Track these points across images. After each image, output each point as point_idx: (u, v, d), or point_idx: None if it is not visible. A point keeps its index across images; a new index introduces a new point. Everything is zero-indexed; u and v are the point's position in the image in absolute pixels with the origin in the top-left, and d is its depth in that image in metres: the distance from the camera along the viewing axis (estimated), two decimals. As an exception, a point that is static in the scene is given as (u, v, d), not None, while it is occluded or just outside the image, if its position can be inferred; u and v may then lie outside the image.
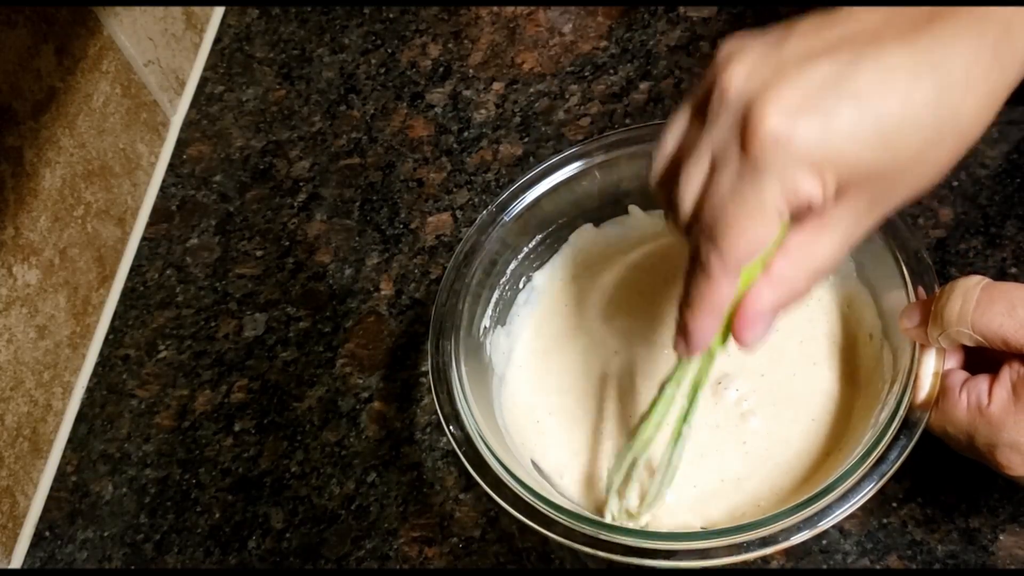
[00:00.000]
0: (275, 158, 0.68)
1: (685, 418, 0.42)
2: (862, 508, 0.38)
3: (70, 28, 0.61)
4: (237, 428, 0.57)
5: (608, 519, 0.44)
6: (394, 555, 0.50)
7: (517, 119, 0.66)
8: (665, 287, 0.52)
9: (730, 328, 0.36)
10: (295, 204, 0.66)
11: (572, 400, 0.49)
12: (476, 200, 0.62)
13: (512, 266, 0.51)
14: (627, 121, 0.63)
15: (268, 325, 0.60)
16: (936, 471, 0.46)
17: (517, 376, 0.51)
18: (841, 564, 0.45)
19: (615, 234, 0.53)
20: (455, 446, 0.43)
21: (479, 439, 0.43)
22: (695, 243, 0.35)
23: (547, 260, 0.53)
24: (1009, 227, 0.53)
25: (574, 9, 0.70)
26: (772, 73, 0.32)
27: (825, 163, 0.31)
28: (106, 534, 0.55)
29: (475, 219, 0.50)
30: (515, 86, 0.67)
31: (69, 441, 0.59)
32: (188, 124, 0.72)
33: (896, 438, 0.39)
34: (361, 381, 0.57)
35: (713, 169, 0.33)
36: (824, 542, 0.46)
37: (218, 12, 0.77)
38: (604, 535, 0.39)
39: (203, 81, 0.74)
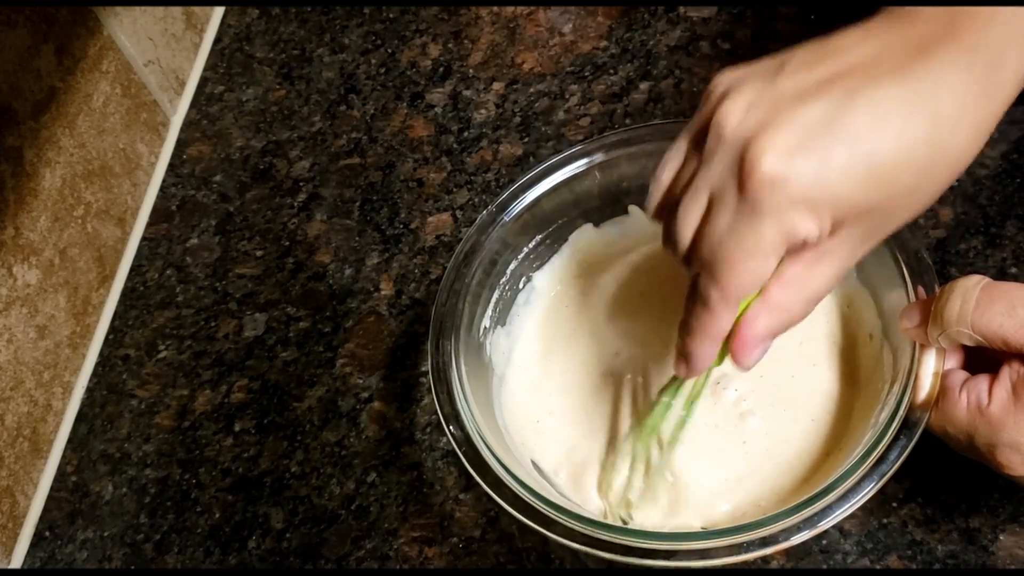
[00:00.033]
0: (275, 158, 0.68)
1: (681, 425, 0.43)
2: (862, 508, 0.38)
3: (70, 28, 0.61)
4: (237, 428, 0.57)
5: (606, 515, 0.44)
6: (394, 555, 0.50)
7: (517, 119, 0.66)
8: (665, 287, 0.52)
9: (727, 348, 0.37)
10: (295, 204, 0.66)
11: (572, 400, 0.49)
12: (476, 200, 0.62)
13: (512, 266, 0.51)
14: (627, 121, 0.63)
15: (268, 325, 0.60)
16: (936, 471, 0.46)
17: (517, 376, 0.51)
18: (841, 564, 0.45)
19: (615, 234, 0.53)
20: (455, 446, 0.43)
21: (479, 439, 0.43)
22: (694, 276, 0.36)
23: (547, 260, 0.53)
24: (1009, 227, 0.53)
25: (574, 9, 0.70)
26: (767, 112, 0.32)
27: (821, 203, 0.32)
28: (106, 534, 0.55)
29: (475, 219, 0.50)
30: (515, 86, 0.67)
31: (69, 441, 0.59)
32: (188, 124, 0.72)
33: (896, 438, 0.39)
34: (361, 381, 0.57)
35: (711, 206, 0.34)
36: (824, 542, 0.46)
37: (218, 12, 0.77)
38: (604, 535, 0.39)
39: (203, 81, 0.74)
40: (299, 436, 0.56)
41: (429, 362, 0.46)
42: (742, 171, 0.32)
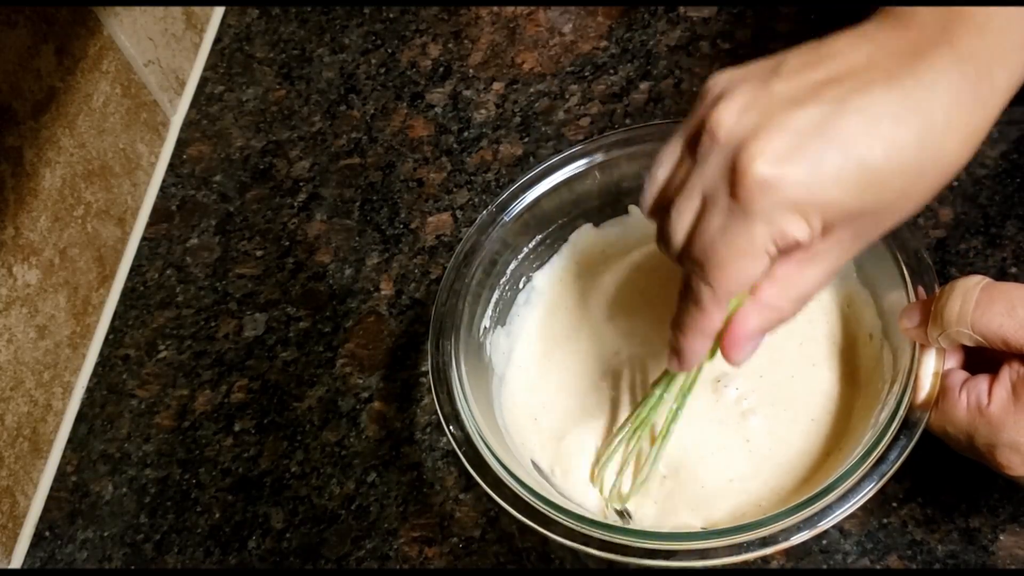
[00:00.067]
0: (275, 158, 0.68)
1: (674, 418, 0.44)
2: (862, 508, 0.38)
3: (70, 28, 0.61)
4: (237, 428, 0.57)
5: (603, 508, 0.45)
6: (394, 555, 0.50)
7: (517, 119, 0.66)
8: (665, 287, 0.51)
9: (719, 344, 0.38)
10: (295, 204, 0.66)
11: (572, 400, 0.49)
12: (476, 200, 0.62)
13: (512, 266, 0.51)
14: (627, 121, 0.63)
15: (268, 325, 0.60)
16: (936, 471, 0.46)
17: (517, 376, 0.51)
18: (841, 564, 0.45)
19: (615, 234, 0.53)
20: (455, 446, 0.43)
21: (479, 439, 0.43)
22: (686, 275, 0.37)
23: (547, 260, 0.53)
24: (1009, 227, 0.53)
25: (574, 9, 0.70)
26: (760, 116, 0.33)
27: (811, 207, 0.33)
28: (106, 534, 0.55)
29: (475, 219, 0.50)
30: (515, 86, 0.67)
31: (69, 441, 0.59)
32: (188, 124, 0.72)
33: (896, 438, 0.39)
34: (361, 381, 0.57)
35: (703, 207, 0.35)
36: (824, 542, 0.46)
37: (218, 12, 0.77)
38: (604, 535, 0.39)
39: (203, 81, 0.74)
40: (299, 436, 0.56)
41: (429, 362, 0.46)
42: (734, 174, 0.33)
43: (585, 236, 0.53)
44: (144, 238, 0.67)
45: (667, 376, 0.43)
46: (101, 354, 0.62)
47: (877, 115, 0.32)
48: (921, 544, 0.45)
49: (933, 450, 0.40)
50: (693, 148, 0.35)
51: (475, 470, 0.42)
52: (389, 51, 0.72)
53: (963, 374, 0.40)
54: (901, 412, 0.40)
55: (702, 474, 0.45)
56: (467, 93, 0.68)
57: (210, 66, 0.75)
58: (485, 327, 0.50)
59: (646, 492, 0.45)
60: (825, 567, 0.45)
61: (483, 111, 0.66)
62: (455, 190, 0.63)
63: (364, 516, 0.52)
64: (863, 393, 0.46)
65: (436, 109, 0.68)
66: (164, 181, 0.69)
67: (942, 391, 0.40)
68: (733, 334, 0.37)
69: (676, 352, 0.39)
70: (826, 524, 0.38)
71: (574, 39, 0.69)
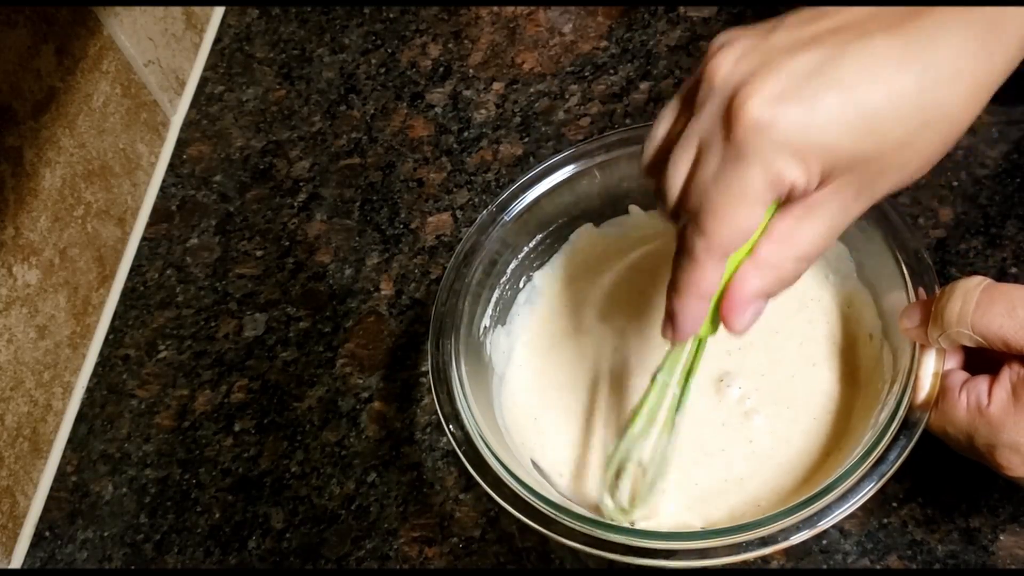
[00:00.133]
0: (275, 158, 0.68)
1: (678, 407, 0.42)
2: (862, 508, 0.38)
3: (70, 28, 0.61)
4: (237, 428, 0.57)
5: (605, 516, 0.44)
6: (394, 555, 0.50)
7: (517, 119, 0.66)
8: (665, 286, 0.51)
9: (719, 315, 0.36)
10: (295, 204, 0.66)
11: (572, 399, 0.50)
12: (476, 200, 0.62)
13: (512, 266, 0.51)
14: (627, 121, 0.63)
15: (268, 325, 0.60)
16: (936, 471, 0.46)
17: (517, 375, 0.51)
18: (841, 564, 0.45)
19: (615, 234, 0.53)
20: (455, 446, 0.43)
21: (479, 439, 0.43)
22: (681, 229, 0.35)
23: (547, 260, 0.53)
24: (1009, 227, 0.53)
25: (574, 9, 0.70)
26: (758, 62, 0.32)
27: (808, 149, 0.32)
28: (106, 534, 0.55)
29: (475, 219, 0.50)
30: (515, 86, 0.67)
31: (69, 441, 0.59)
32: (188, 124, 0.72)
33: (896, 438, 0.39)
34: (361, 381, 0.57)
35: (699, 156, 0.34)
36: (824, 542, 0.46)
37: (218, 12, 0.77)
38: (604, 535, 0.39)
39: (203, 81, 0.74)
40: (299, 436, 0.56)
41: (429, 362, 0.46)
42: (728, 116, 0.32)
43: (585, 236, 0.53)
44: (144, 238, 0.67)
45: (667, 361, 0.41)
46: (101, 354, 0.62)
47: (878, 59, 0.31)
48: (921, 544, 0.45)
49: (933, 450, 0.40)
50: (691, 101, 0.35)
51: (475, 470, 0.42)
52: (389, 51, 0.72)
53: (963, 374, 0.40)
54: (901, 412, 0.40)
55: (702, 474, 0.45)
56: (467, 93, 0.68)
57: (210, 66, 0.75)
58: (485, 326, 0.50)
59: (654, 493, 0.44)
60: (825, 567, 0.45)
61: (483, 111, 0.66)
62: (455, 190, 0.63)
63: (364, 516, 0.52)
64: (863, 393, 0.46)
65: (436, 109, 0.68)
66: (164, 181, 0.69)
67: (942, 391, 0.40)
68: (732, 297, 0.35)
69: (671, 317, 0.37)
70: (826, 524, 0.38)
71: (574, 39, 0.69)
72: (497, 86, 0.68)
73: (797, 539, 0.38)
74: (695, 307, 0.36)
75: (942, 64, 0.31)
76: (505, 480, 0.41)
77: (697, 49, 0.66)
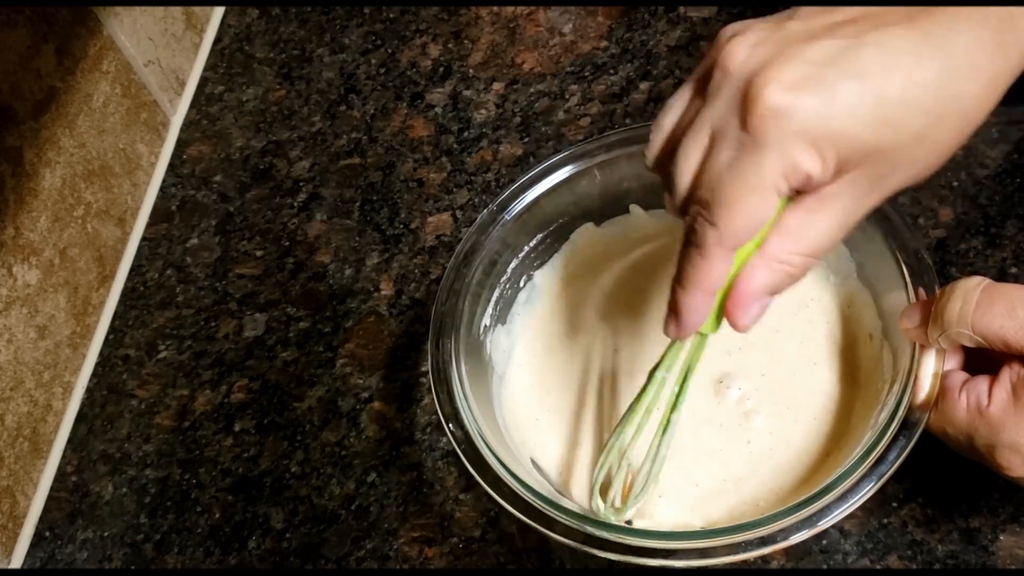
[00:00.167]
0: (275, 158, 0.68)
1: (675, 406, 0.41)
2: (862, 508, 0.38)
3: (70, 28, 0.61)
4: (237, 428, 0.57)
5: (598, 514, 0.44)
6: (394, 555, 0.50)
7: (517, 119, 0.66)
8: (666, 286, 0.51)
9: (723, 312, 0.36)
10: (295, 204, 0.66)
11: (572, 399, 0.50)
12: (476, 200, 0.62)
13: (512, 265, 0.51)
14: (627, 121, 0.63)
15: (268, 325, 0.60)
16: (936, 471, 0.46)
17: (517, 375, 0.51)
18: (841, 564, 0.45)
19: (615, 233, 0.53)
20: (455, 446, 0.43)
21: (479, 438, 0.43)
22: (691, 220, 0.34)
23: (547, 259, 0.53)
24: (1009, 227, 0.53)
25: (574, 9, 0.70)
26: (774, 50, 0.32)
27: (825, 139, 0.31)
28: (106, 534, 0.55)
29: (475, 219, 0.50)
30: (515, 86, 0.67)
31: (69, 441, 0.59)
32: (188, 124, 0.72)
33: (896, 438, 0.39)
34: (361, 381, 0.57)
35: (712, 144, 0.33)
36: (824, 542, 0.46)
37: (218, 12, 0.78)
38: (604, 534, 0.39)
39: (203, 81, 0.74)
40: (299, 436, 0.56)
41: (429, 362, 0.46)
42: (745, 104, 0.32)
43: (586, 235, 0.53)
44: (144, 238, 0.67)
45: (666, 358, 0.41)
46: (101, 354, 0.62)
47: (895, 50, 0.31)
48: (921, 544, 0.45)
49: (933, 450, 0.40)
50: (702, 89, 0.34)
51: (475, 470, 0.42)
52: (389, 51, 0.72)
53: (963, 375, 0.40)
54: (901, 412, 0.39)
55: (702, 474, 0.45)
56: (467, 93, 0.68)
57: (210, 66, 0.75)
58: (485, 326, 0.50)
59: (647, 493, 0.44)
60: (825, 567, 0.45)
61: (483, 111, 0.66)
62: (455, 190, 0.63)
63: (364, 516, 0.52)
64: (863, 393, 0.46)
65: (436, 109, 0.68)
66: (164, 181, 0.69)
67: (942, 392, 0.40)
68: (738, 292, 0.35)
69: (675, 311, 0.36)
70: (825, 524, 0.38)
71: (574, 39, 0.69)
72: (497, 86, 0.68)
73: (797, 539, 0.38)
74: (701, 302, 0.35)
75: (958, 58, 0.31)
76: (505, 480, 0.41)
77: (697, 49, 0.66)
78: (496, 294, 0.51)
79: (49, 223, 0.59)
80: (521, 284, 0.52)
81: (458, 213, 0.62)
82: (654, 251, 0.53)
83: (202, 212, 0.67)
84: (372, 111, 0.69)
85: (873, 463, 0.38)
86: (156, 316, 0.63)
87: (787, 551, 0.46)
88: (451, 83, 0.69)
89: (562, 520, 0.40)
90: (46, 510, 0.56)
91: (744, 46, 0.33)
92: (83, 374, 0.61)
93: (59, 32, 0.60)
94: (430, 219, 0.62)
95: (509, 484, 0.41)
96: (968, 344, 0.39)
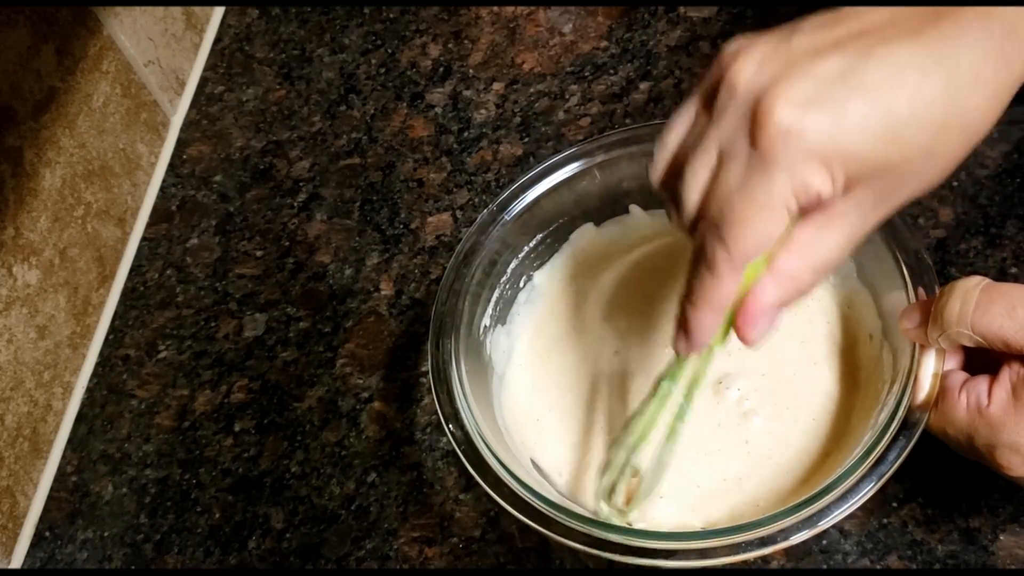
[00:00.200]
0: (275, 158, 0.68)
1: (681, 415, 0.41)
2: (862, 508, 0.38)
3: (70, 28, 0.61)
4: (237, 428, 0.57)
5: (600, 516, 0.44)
6: (394, 555, 0.50)
7: (517, 119, 0.66)
8: (666, 286, 0.52)
9: (732, 326, 0.36)
10: (295, 204, 0.66)
11: (572, 399, 0.50)
12: (476, 200, 0.62)
13: (512, 265, 0.51)
14: (627, 121, 0.63)
15: (268, 325, 0.60)
16: (936, 471, 0.46)
17: (517, 375, 0.51)
18: (841, 564, 0.45)
19: (615, 234, 0.53)
20: (455, 446, 0.43)
21: (479, 439, 0.43)
22: (700, 239, 0.35)
23: (547, 259, 0.53)
24: (1009, 227, 0.53)
25: (574, 9, 0.70)
26: (781, 67, 0.32)
27: (835, 157, 0.31)
28: (106, 534, 0.55)
29: (475, 219, 0.50)
30: (515, 86, 0.67)
31: (69, 441, 0.59)
32: (188, 124, 0.72)
33: (896, 438, 0.39)
34: (361, 381, 0.57)
35: (720, 163, 0.33)
36: (824, 542, 0.46)
37: (218, 12, 0.77)
38: (604, 535, 0.39)
39: (203, 81, 0.74)
40: (299, 436, 0.56)
41: (429, 362, 0.46)
42: (754, 123, 0.31)
43: (585, 235, 0.53)
44: (144, 238, 0.67)
45: (672, 369, 0.41)
46: (101, 354, 0.62)
47: (902, 66, 0.31)
48: (921, 544, 0.45)
49: (933, 450, 0.40)
50: (709, 106, 0.34)
51: (475, 470, 0.42)
52: (389, 51, 0.72)
53: (963, 375, 0.40)
54: (901, 412, 0.39)
55: (702, 474, 0.45)
56: (467, 93, 0.68)
57: (210, 66, 0.75)
58: (485, 326, 0.50)
59: (649, 497, 0.44)
60: (825, 567, 0.45)
61: (483, 111, 0.66)
62: (455, 190, 0.63)
63: (364, 516, 0.52)
64: (863, 393, 0.46)
65: (436, 109, 0.68)
66: (164, 181, 0.69)
67: (942, 392, 0.40)
68: (749, 308, 0.35)
69: (684, 328, 0.36)
70: (826, 524, 0.38)
71: (574, 39, 0.69)
72: (497, 86, 0.68)
73: (797, 539, 0.38)
74: (710, 319, 0.36)
75: (964, 71, 0.31)
76: (505, 480, 0.41)
77: (697, 49, 0.66)
78: (496, 294, 0.51)
79: (49, 223, 0.59)
80: (521, 285, 0.53)
81: (458, 213, 0.62)
82: (654, 251, 0.53)
83: (202, 212, 0.67)
84: (372, 111, 0.69)
85: (873, 463, 0.38)
86: (156, 316, 0.63)
87: (787, 551, 0.46)
88: (451, 83, 0.69)
89: (562, 520, 0.40)
90: (46, 510, 0.56)
91: (751, 62, 0.32)
92: (83, 374, 0.61)
93: (59, 32, 0.60)
94: (430, 219, 0.62)
95: (509, 485, 0.41)
96: (968, 344, 0.39)
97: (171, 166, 0.70)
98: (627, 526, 0.43)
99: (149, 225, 0.67)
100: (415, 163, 0.65)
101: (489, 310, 0.50)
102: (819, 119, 0.31)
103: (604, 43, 0.68)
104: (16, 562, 0.55)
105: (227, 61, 0.75)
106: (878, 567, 0.45)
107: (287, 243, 0.64)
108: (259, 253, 0.64)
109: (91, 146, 0.63)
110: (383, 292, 0.60)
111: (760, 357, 0.48)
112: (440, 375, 0.45)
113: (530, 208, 0.50)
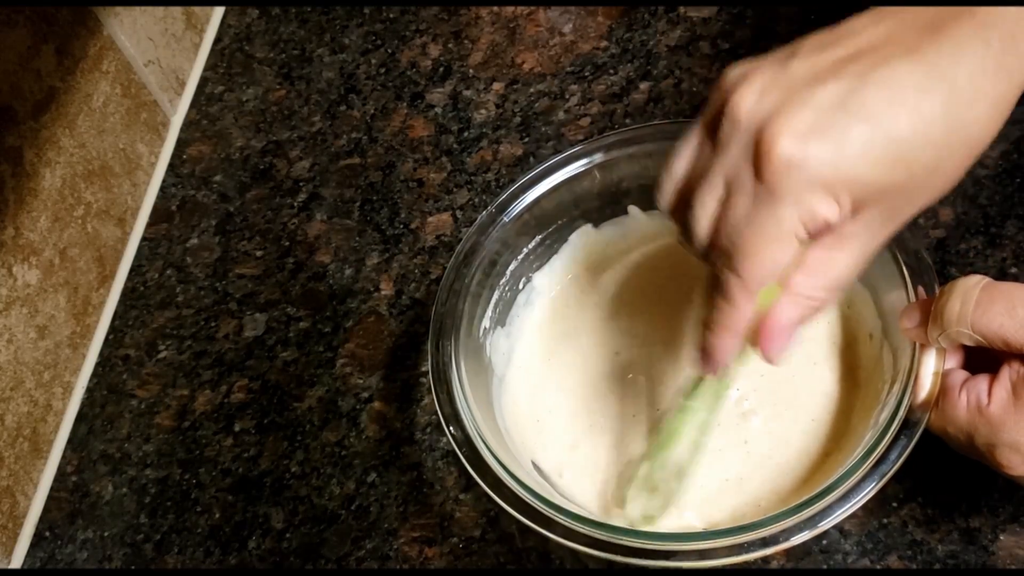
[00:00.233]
0: (275, 158, 0.68)
1: (704, 429, 0.43)
2: (862, 508, 0.38)
3: (70, 28, 0.61)
4: (237, 428, 0.57)
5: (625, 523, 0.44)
6: (394, 555, 0.50)
7: (517, 119, 0.66)
8: (665, 287, 0.52)
9: (751, 343, 0.37)
10: (295, 204, 0.66)
11: (573, 401, 0.49)
12: (476, 200, 0.62)
13: (512, 266, 0.51)
14: (627, 121, 0.63)
15: (268, 325, 0.60)
16: (936, 471, 0.46)
17: (517, 377, 0.51)
18: (841, 564, 0.45)
19: (615, 234, 0.53)
20: (455, 446, 0.43)
21: (479, 439, 0.43)
22: (714, 268, 0.36)
23: (547, 261, 0.53)
24: (1009, 227, 0.53)
25: (574, 9, 0.70)
26: (781, 95, 0.32)
27: (839, 184, 0.32)
28: (106, 534, 0.55)
29: (475, 219, 0.50)
30: (515, 86, 0.67)
31: (69, 441, 0.59)
32: (188, 124, 0.72)
33: (896, 438, 0.39)
34: (361, 381, 0.57)
35: (728, 194, 0.34)
36: (824, 542, 0.46)
37: (218, 12, 0.77)
38: (604, 535, 0.39)
39: (203, 81, 0.74)
40: (299, 436, 0.56)
41: (429, 362, 0.46)
42: (758, 155, 0.32)
43: (585, 236, 0.53)
44: (144, 238, 0.67)
45: (700, 388, 0.42)
46: (101, 354, 0.62)
47: (901, 86, 0.31)
48: (921, 544, 0.45)
49: (933, 450, 0.40)
50: (712, 136, 0.34)
51: (475, 470, 0.42)
52: (389, 51, 0.72)
53: (963, 374, 0.40)
54: (901, 412, 0.40)
55: (702, 474, 0.45)
56: (467, 93, 0.68)
57: (210, 66, 0.75)
58: (485, 327, 0.50)
59: (671, 506, 0.44)
60: (825, 567, 0.45)
61: (483, 111, 0.66)
62: (455, 190, 0.63)
63: (364, 516, 0.52)
64: (863, 393, 0.46)
65: (436, 109, 0.68)
66: (164, 181, 0.69)
67: (942, 391, 0.40)
68: (769, 328, 0.36)
69: (705, 352, 0.38)
70: (826, 524, 0.38)
71: (574, 39, 0.69)
72: (497, 86, 0.68)
73: (798, 539, 0.38)
74: (730, 343, 0.37)
75: (962, 85, 0.31)
76: (505, 480, 0.41)
77: (697, 49, 0.66)
78: (496, 296, 0.51)
79: (49, 223, 0.59)
80: (520, 287, 0.52)
81: (458, 213, 0.62)
82: (654, 251, 0.53)
83: (202, 212, 0.67)
84: (372, 111, 0.69)
85: (874, 463, 0.38)
86: (156, 316, 0.63)
87: (788, 551, 0.46)
88: (451, 83, 0.69)
89: (562, 521, 0.40)
90: (46, 510, 0.56)
91: (751, 92, 0.33)
92: (83, 374, 0.61)
93: (59, 32, 0.60)
94: (430, 219, 0.62)
95: (509, 485, 0.41)
96: (968, 343, 0.39)
97: (171, 166, 0.70)
98: (627, 527, 0.43)
99: (149, 225, 0.67)
100: (415, 163, 0.65)
101: (489, 312, 0.50)
102: (821, 148, 0.31)
103: (604, 43, 0.68)
104: (16, 562, 0.55)
105: (227, 61, 0.75)
106: (878, 567, 0.45)
107: (287, 243, 0.64)
108: (259, 253, 0.64)
109: (91, 146, 0.63)
110: (383, 292, 0.60)
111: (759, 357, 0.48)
112: (440, 376, 0.45)
113: (530, 208, 0.50)
